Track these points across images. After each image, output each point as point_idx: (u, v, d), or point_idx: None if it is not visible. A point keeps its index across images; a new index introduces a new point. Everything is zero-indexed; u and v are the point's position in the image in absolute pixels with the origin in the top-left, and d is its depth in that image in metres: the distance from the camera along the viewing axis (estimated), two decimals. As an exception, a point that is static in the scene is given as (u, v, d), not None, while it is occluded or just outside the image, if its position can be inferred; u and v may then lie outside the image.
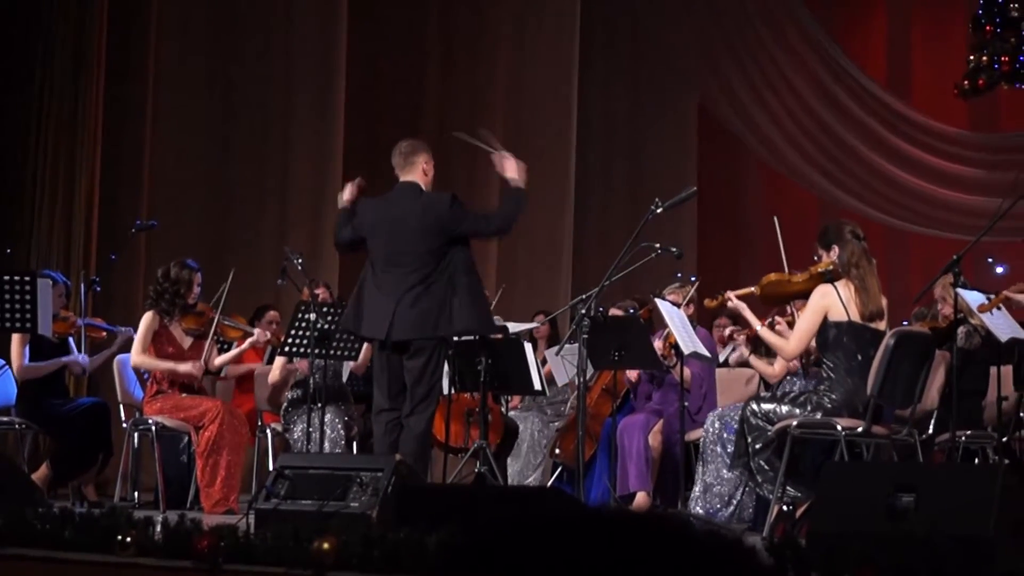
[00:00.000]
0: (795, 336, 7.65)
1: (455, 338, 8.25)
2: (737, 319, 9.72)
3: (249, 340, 9.36)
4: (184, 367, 8.99)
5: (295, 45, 12.83)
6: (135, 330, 9.30)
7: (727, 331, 9.28)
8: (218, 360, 9.37)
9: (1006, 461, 8.20)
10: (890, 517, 4.37)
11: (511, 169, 7.78)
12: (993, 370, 8.23)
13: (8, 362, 9.29)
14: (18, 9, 11.37)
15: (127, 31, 11.86)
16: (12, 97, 11.33)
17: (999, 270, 7.78)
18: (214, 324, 9.15)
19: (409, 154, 7.78)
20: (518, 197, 7.83)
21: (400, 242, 7.54)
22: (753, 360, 8.83)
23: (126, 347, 9.59)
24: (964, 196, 14.54)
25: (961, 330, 7.73)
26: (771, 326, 7.99)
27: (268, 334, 9.57)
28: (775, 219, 8.37)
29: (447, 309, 7.46)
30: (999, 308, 7.62)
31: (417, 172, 7.73)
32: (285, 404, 9.67)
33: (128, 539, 5.12)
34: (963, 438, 8.16)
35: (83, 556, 5.20)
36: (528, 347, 9.21)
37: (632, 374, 9.57)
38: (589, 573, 1.02)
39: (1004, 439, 8.43)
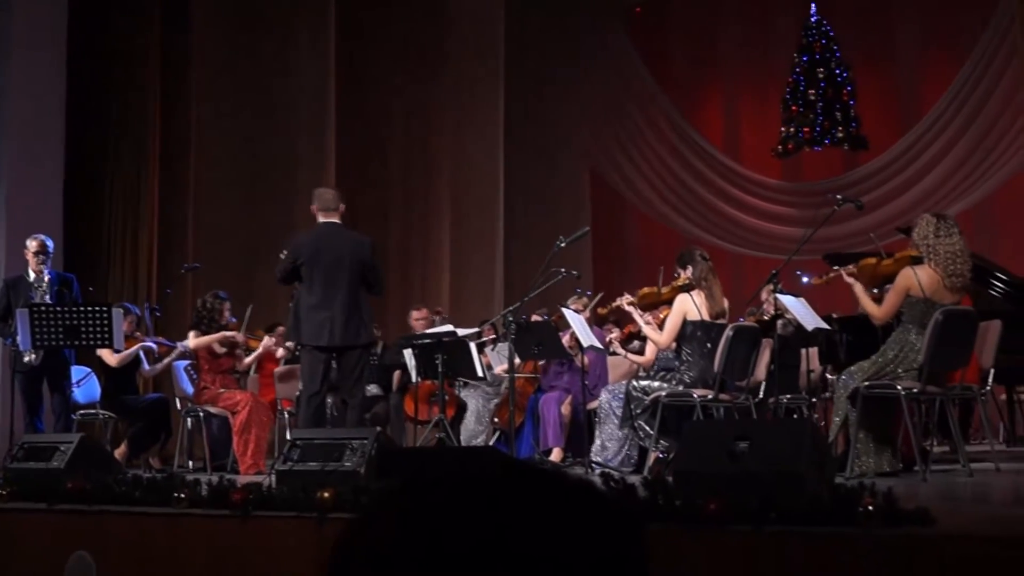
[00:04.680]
0: (666, 331, 7.70)
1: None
2: (620, 321, 9.76)
3: (263, 345, 9.35)
4: (227, 334, 9.01)
5: (301, 132, 12.72)
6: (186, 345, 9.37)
7: (608, 339, 9.33)
8: (246, 361, 9.33)
9: (815, 416, 8.26)
10: (731, 459, 4.38)
11: None
12: (804, 351, 8.29)
13: (94, 370, 9.24)
14: (93, 106, 11.24)
15: (175, 121, 11.76)
16: (90, 175, 11.21)
17: (804, 280, 7.90)
18: (240, 336, 9.15)
19: (334, 199, 7.70)
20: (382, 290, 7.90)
21: (334, 269, 7.43)
22: (628, 355, 8.85)
23: (179, 356, 9.56)
24: (779, 227, 14.64)
25: (780, 322, 7.77)
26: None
27: (274, 341, 9.57)
28: (660, 269, 8.36)
29: (360, 324, 7.42)
30: (805, 304, 7.68)
31: (338, 215, 7.67)
32: (297, 394, 9.62)
33: (182, 495, 5.08)
34: (784, 400, 8.21)
35: (149, 509, 5.15)
36: (472, 345, 9.19)
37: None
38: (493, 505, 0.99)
39: (813, 400, 8.50)
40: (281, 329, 10.29)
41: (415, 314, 10.87)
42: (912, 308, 6.54)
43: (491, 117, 14.33)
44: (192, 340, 9.05)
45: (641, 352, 8.83)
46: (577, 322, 8.33)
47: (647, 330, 7.94)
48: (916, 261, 6.62)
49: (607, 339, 9.35)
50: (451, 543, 0.95)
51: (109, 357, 9.09)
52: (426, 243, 14.04)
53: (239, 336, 9.10)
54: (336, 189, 8.03)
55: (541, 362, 9.56)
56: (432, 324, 10.57)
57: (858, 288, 6.85)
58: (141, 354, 9.37)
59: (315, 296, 7.42)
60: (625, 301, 8.04)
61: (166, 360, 9.62)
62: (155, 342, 9.55)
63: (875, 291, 7.01)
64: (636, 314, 7.98)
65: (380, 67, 14.00)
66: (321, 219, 7.63)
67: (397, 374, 10.35)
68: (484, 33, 14.26)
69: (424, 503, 0.99)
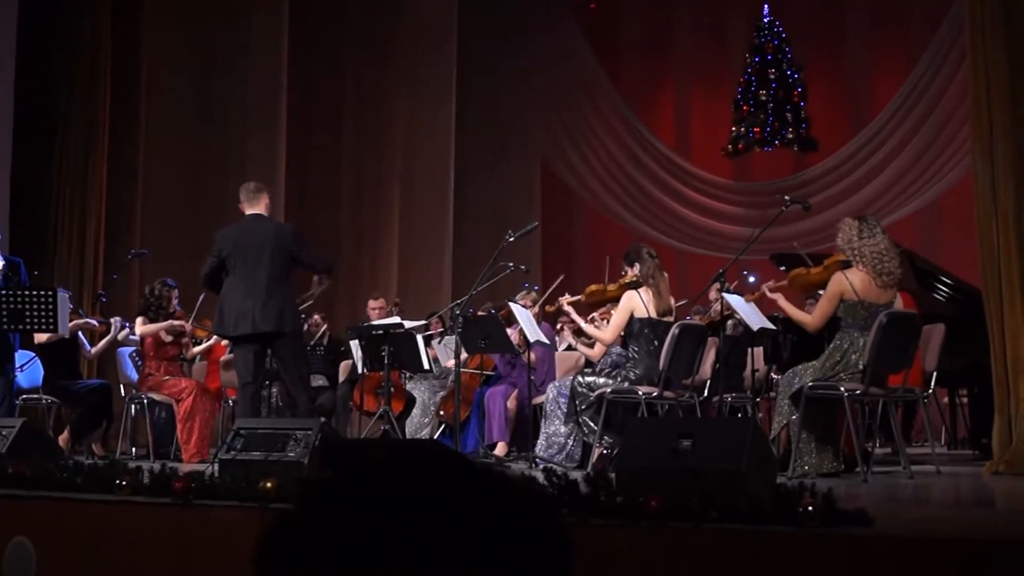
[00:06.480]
0: (611, 328, 7.74)
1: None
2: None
3: (214, 336, 9.29)
4: (174, 323, 8.98)
5: (252, 119, 12.61)
6: (125, 321, 9.34)
7: (560, 326, 9.37)
8: (195, 350, 9.28)
9: (759, 415, 8.34)
10: (674, 456, 4.42)
11: None
12: (749, 350, 8.37)
13: (37, 352, 9.16)
14: (41, 90, 11.11)
15: (125, 106, 11.63)
16: (38, 159, 11.08)
17: (751, 279, 7.99)
18: (187, 326, 9.09)
19: (256, 191, 7.70)
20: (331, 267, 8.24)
21: (255, 260, 7.42)
22: (580, 346, 8.89)
23: (119, 331, 9.51)
24: (728, 226, 14.76)
25: (730, 322, 7.85)
26: (591, 321, 8.07)
27: None
28: (607, 259, 8.40)
29: (282, 309, 7.42)
30: (753, 304, 7.76)
31: (262, 206, 7.67)
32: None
33: (124, 483, 5.04)
34: (729, 399, 8.28)
35: (91, 496, 5.11)
36: (419, 338, 9.18)
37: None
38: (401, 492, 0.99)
39: (757, 399, 8.58)
40: None
41: (372, 303, 10.80)
42: (851, 312, 6.60)
43: (443, 107, 14.31)
44: (139, 327, 9.01)
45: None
46: (525, 317, 8.35)
47: (589, 329, 7.98)
48: (846, 265, 6.70)
49: (560, 326, 9.40)
50: (385, 539, 0.96)
51: (39, 334, 9.03)
52: (376, 232, 14.00)
53: (187, 325, 9.07)
54: (259, 181, 8.01)
55: (495, 357, 9.59)
56: (390, 315, 10.54)
57: (783, 302, 6.92)
58: (81, 336, 9.32)
59: (239, 286, 7.43)
60: (566, 302, 8.08)
61: (107, 339, 9.56)
62: (97, 321, 9.53)
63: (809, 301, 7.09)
64: (574, 314, 8.03)
65: (333, 55, 13.94)
66: (247, 211, 7.65)
67: (345, 364, 10.33)
68: (438, 22, 14.23)
69: (357, 498, 0.99)
